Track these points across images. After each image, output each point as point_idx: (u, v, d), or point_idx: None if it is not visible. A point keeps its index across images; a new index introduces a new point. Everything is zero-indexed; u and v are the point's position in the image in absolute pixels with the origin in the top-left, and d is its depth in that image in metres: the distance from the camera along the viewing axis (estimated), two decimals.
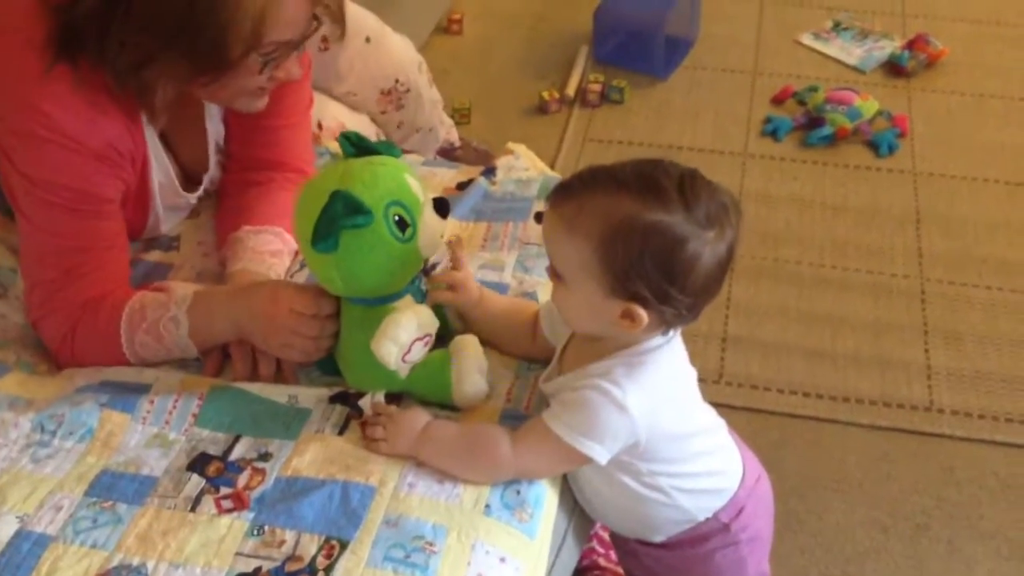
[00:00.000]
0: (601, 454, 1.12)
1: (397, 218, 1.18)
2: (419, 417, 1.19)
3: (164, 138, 1.47)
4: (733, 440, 1.31)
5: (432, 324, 1.22)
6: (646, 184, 1.07)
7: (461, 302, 1.29)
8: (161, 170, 1.47)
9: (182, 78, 1.28)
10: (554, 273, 1.13)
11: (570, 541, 1.33)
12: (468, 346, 1.24)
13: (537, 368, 1.31)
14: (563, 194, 1.11)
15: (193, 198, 1.57)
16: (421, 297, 1.27)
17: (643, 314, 1.09)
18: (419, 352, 1.21)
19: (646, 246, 1.05)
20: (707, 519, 1.26)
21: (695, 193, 1.07)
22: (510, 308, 1.34)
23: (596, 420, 1.11)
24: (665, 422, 1.15)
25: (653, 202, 1.06)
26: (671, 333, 1.15)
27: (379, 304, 1.23)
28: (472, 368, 1.23)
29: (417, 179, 1.23)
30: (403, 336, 1.18)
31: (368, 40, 2.01)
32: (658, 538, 1.30)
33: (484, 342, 1.29)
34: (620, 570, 1.60)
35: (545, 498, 1.20)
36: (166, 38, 1.21)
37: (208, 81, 1.27)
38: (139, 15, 1.19)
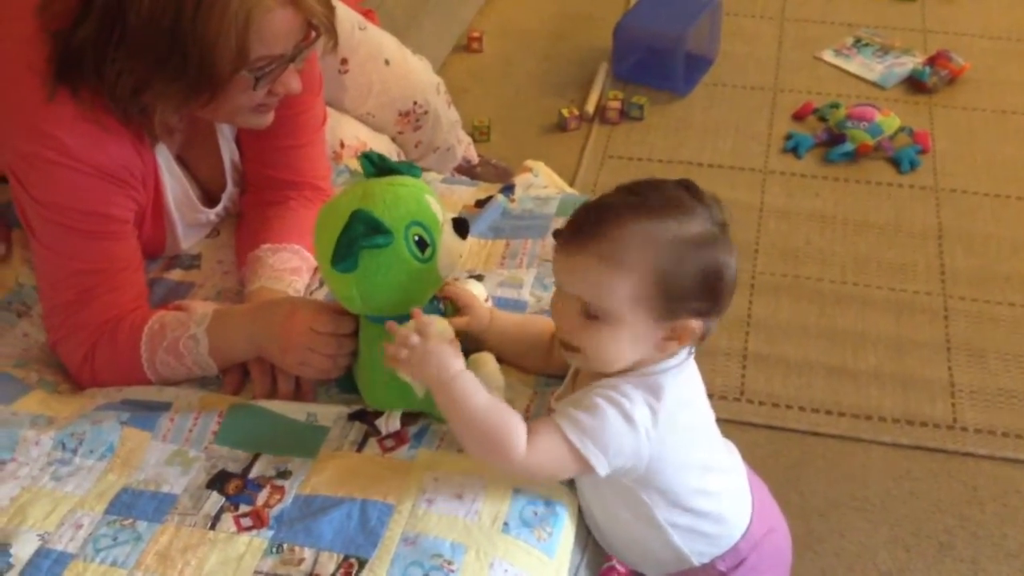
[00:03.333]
0: (602, 465, 1.09)
1: (417, 238, 1.18)
2: (453, 361, 1.11)
3: (180, 157, 1.48)
4: (749, 488, 1.27)
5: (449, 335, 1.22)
6: (669, 202, 1.08)
7: (471, 327, 1.28)
8: (178, 188, 1.48)
9: (178, 100, 1.29)
10: (588, 315, 1.08)
11: (588, 560, 1.32)
12: (485, 364, 1.23)
13: (555, 384, 1.31)
14: (590, 234, 1.07)
15: (212, 214, 1.58)
16: (439, 315, 1.27)
17: (696, 326, 1.09)
18: None
19: (699, 261, 1.06)
20: (703, 565, 1.23)
21: (703, 198, 1.10)
22: (523, 326, 1.33)
23: (604, 427, 1.08)
24: (671, 447, 1.12)
25: (685, 217, 1.07)
26: (688, 352, 1.14)
27: (397, 323, 1.23)
28: (489, 387, 1.22)
29: (437, 199, 1.23)
30: None
31: (388, 63, 2.02)
32: (652, 574, 1.28)
33: (501, 359, 1.29)
34: None
35: (564, 517, 1.19)
36: (157, 62, 1.22)
37: (205, 101, 1.28)
38: (131, 41, 1.21)
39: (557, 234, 1.11)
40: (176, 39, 1.19)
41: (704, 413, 1.20)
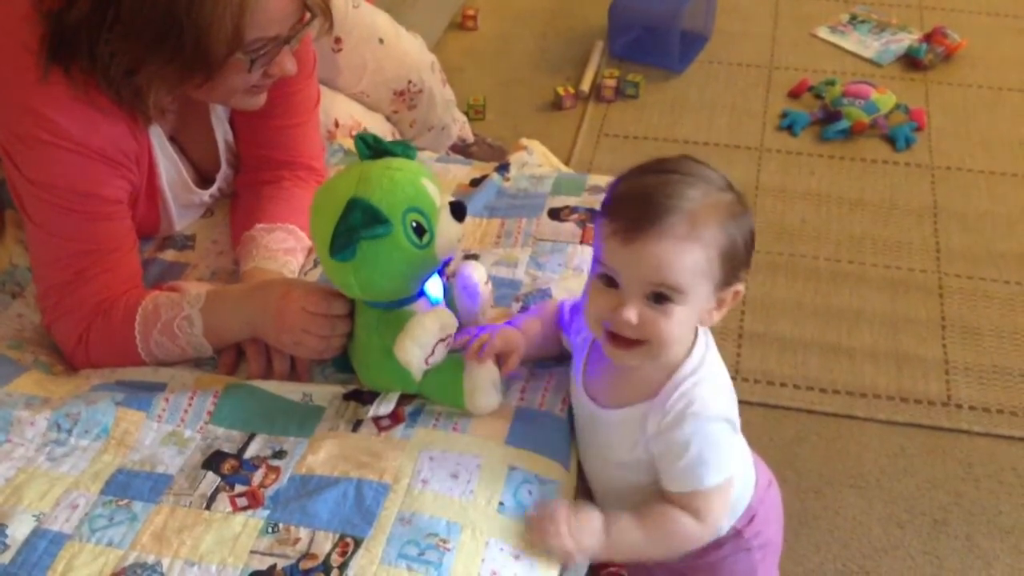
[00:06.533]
0: (739, 458, 1.17)
1: (415, 224, 1.17)
2: (595, 516, 1.13)
3: (174, 138, 1.47)
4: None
5: (453, 324, 1.21)
6: (709, 175, 1.10)
7: (517, 363, 1.26)
8: (171, 169, 1.47)
9: (173, 82, 1.28)
10: (658, 300, 1.06)
11: None
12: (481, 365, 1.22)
13: (551, 365, 1.31)
14: (659, 215, 1.04)
15: (206, 195, 1.58)
16: (436, 298, 1.27)
17: (742, 289, 1.12)
18: (441, 353, 1.20)
19: (747, 226, 1.09)
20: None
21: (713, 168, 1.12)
22: (543, 324, 1.30)
23: (724, 448, 1.13)
24: (734, 418, 1.17)
25: (726, 187, 1.10)
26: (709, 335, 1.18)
27: (395, 307, 1.23)
28: (486, 380, 1.22)
29: (434, 182, 1.22)
30: (428, 339, 1.17)
31: (382, 41, 2.01)
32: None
33: (527, 360, 1.29)
34: None
35: (559, 496, 1.19)
36: (151, 44, 1.21)
37: (199, 83, 1.27)
38: (125, 22, 1.20)
39: (615, 229, 1.07)
40: (171, 21, 1.18)
41: None
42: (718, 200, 1.07)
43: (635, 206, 1.06)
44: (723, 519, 1.18)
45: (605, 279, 1.09)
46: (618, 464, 1.20)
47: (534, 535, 1.12)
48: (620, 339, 1.09)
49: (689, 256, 1.05)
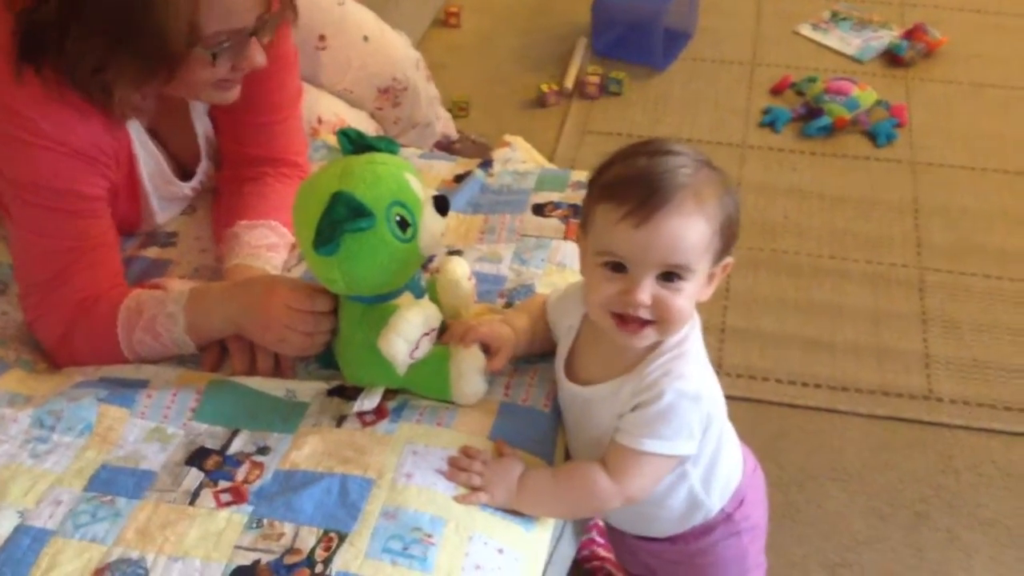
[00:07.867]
0: (692, 445, 1.14)
1: (398, 218, 1.17)
2: (514, 466, 1.17)
3: (153, 133, 1.47)
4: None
5: (437, 318, 1.21)
6: (689, 151, 1.12)
7: (508, 361, 1.27)
8: (151, 161, 1.47)
9: (138, 79, 1.27)
10: (669, 278, 1.08)
11: (568, 532, 1.33)
12: (469, 354, 1.22)
13: (535, 360, 1.31)
14: (668, 194, 1.06)
15: (188, 188, 1.57)
16: (420, 292, 1.27)
17: (732, 261, 1.14)
18: (425, 347, 1.20)
19: (736, 198, 1.12)
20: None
21: None
22: (531, 317, 1.30)
23: (683, 421, 1.11)
24: (716, 400, 1.18)
25: (706, 161, 1.12)
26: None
27: (379, 302, 1.23)
28: (472, 368, 1.22)
29: (417, 176, 1.22)
30: (412, 332, 1.17)
31: (366, 39, 2.01)
32: (662, 534, 1.30)
33: (519, 357, 1.29)
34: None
35: None
36: (113, 42, 1.21)
37: (164, 79, 1.27)
38: (88, 21, 1.20)
39: (626, 212, 1.06)
40: (129, 19, 1.18)
41: None
42: (710, 175, 1.09)
43: (641, 187, 1.07)
44: (640, 495, 1.15)
45: (611, 266, 1.09)
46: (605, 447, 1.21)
47: (448, 466, 1.16)
48: (630, 322, 1.10)
49: (697, 231, 1.07)
